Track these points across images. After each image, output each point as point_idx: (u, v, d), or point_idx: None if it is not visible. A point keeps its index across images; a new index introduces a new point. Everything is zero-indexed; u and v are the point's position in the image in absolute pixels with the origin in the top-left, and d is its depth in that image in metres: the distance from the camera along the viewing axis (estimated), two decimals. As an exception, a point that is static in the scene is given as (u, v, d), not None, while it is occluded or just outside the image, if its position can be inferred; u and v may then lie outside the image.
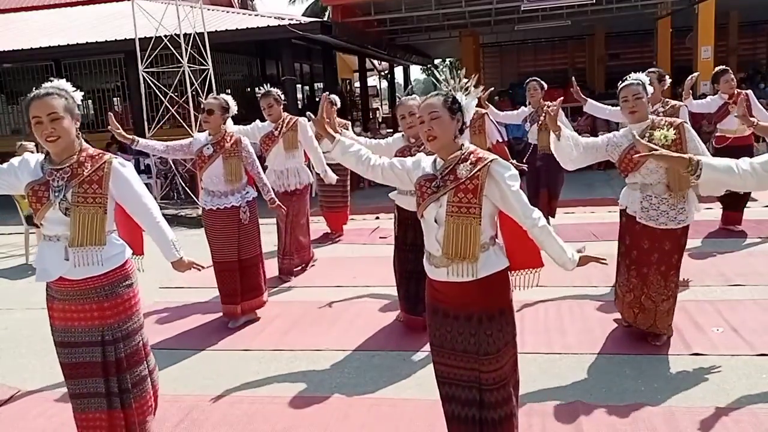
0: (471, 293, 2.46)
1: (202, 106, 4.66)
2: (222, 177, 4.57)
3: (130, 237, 2.95)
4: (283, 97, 5.78)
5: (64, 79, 2.75)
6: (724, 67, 6.53)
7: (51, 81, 2.72)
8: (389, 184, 2.77)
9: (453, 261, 2.44)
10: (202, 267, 3.09)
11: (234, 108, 4.71)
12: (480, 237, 2.42)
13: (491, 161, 2.43)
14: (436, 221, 2.48)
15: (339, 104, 7.39)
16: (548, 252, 2.51)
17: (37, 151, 7.24)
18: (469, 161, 2.45)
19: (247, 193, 4.71)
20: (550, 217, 6.91)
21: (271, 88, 5.69)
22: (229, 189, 4.61)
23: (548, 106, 6.52)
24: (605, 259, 2.62)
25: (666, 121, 3.75)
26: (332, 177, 6.02)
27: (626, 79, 3.80)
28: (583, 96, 5.46)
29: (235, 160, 4.59)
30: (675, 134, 3.62)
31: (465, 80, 2.60)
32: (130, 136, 4.60)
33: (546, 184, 6.76)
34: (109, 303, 2.72)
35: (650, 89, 3.86)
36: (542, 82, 6.68)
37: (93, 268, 2.69)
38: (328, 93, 7.29)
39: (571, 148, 3.74)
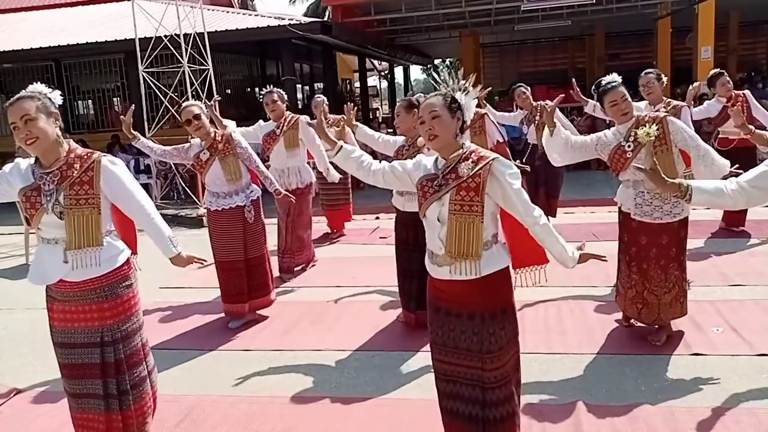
0: (474, 291, 2.47)
1: (183, 117, 4.54)
2: (223, 178, 4.58)
3: (124, 235, 2.92)
4: (285, 96, 5.81)
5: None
6: (719, 70, 6.49)
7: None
8: (390, 188, 2.78)
9: (456, 259, 2.45)
10: (204, 261, 3.05)
11: (205, 116, 4.62)
12: (482, 235, 2.43)
13: (493, 160, 2.45)
14: (438, 220, 2.48)
15: (327, 104, 7.35)
16: (549, 250, 2.53)
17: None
18: (470, 160, 2.46)
19: (252, 192, 4.72)
20: (550, 217, 6.92)
21: (274, 88, 5.75)
22: (232, 189, 4.61)
23: (542, 106, 6.63)
24: (605, 256, 2.61)
25: (649, 117, 3.76)
26: (335, 175, 6.06)
27: (602, 83, 3.80)
28: (583, 97, 5.47)
29: (231, 159, 4.58)
30: (658, 130, 3.62)
31: (463, 80, 2.60)
32: (135, 132, 4.59)
33: (545, 183, 6.79)
34: (108, 304, 2.71)
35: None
36: (526, 86, 6.85)
37: (92, 270, 2.67)
38: (318, 96, 7.27)
39: (561, 144, 3.80)
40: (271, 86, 5.82)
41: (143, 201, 2.82)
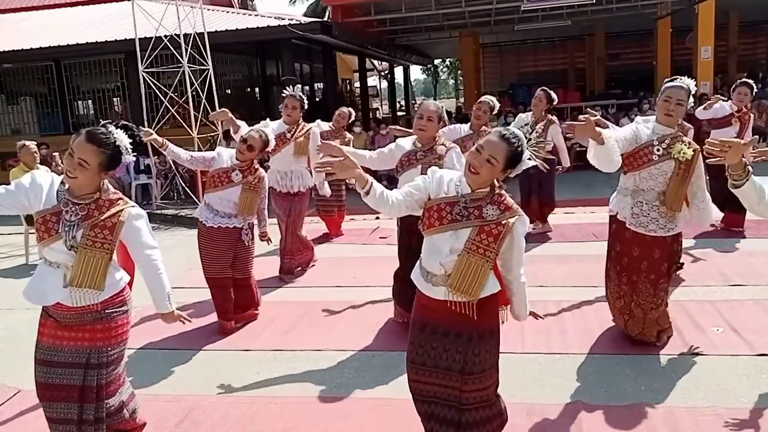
0: (468, 312, 2.48)
1: (243, 136, 4.58)
2: (233, 204, 4.56)
3: (125, 267, 2.92)
4: (306, 104, 5.83)
5: (123, 131, 2.72)
6: (746, 80, 6.48)
7: (123, 126, 2.72)
8: (411, 213, 2.67)
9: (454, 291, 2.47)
10: (190, 321, 3.08)
11: (272, 143, 4.75)
12: (486, 279, 2.46)
13: (519, 216, 2.48)
14: (450, 250, 2.47)
15: (353, 115, 7.57)
16: (513, 301, 2.66)
17: (39, 149, 7.26)
18: (497, 204, 2.47)
19: (249, 215, 4.70)
20: (540, 223, 6.92)
21: (299, 93, 5.80)
22: (233, 212, 4.60)
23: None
24: (543, 316, 2.86)
25: (688, 141, 3.69)
26: (327, 191, 6.33)
27: (676, 79, 3.71)
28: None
29: (252, 195, 4.58)
30: (691, 155, 3.58)
31: (539, 140, 2.58)
32: (161, 140, 4.60)
33: (538, 191, 6.81)
34: (101, 326, 2.70)
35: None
36: (551, 94, 6.55)
37: (90, 301, 2.67)
38: (343, 109, 7.39)
39: (615, 151, 3.40)
40: (298, 88, 5.90)
41: (154, 255, 2.83)
